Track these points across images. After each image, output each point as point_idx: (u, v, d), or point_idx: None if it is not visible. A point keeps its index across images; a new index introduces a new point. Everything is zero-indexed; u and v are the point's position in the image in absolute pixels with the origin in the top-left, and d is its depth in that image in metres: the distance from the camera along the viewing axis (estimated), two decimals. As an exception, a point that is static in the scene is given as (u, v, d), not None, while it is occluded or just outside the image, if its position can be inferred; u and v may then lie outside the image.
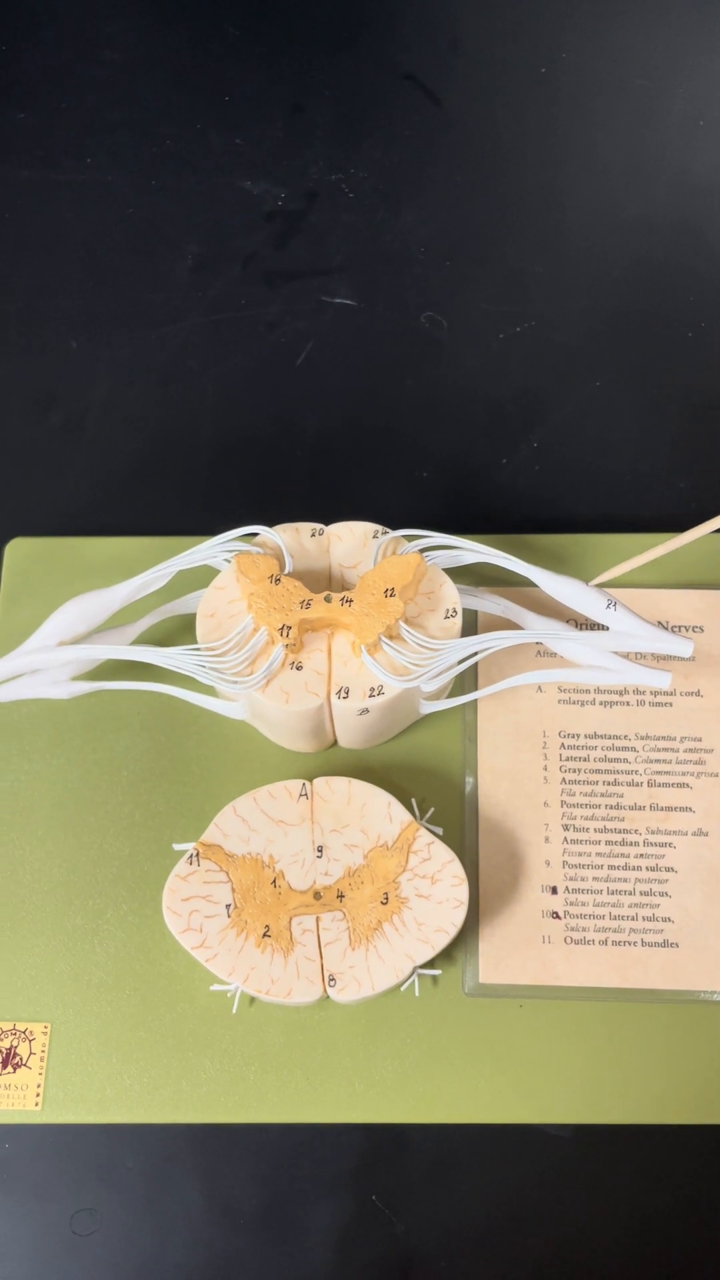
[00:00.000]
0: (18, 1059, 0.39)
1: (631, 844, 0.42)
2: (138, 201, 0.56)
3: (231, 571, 0.40)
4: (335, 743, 0.43)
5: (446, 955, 0.40)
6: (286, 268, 0.54)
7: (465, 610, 0.44)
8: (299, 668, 0.38)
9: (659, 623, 0.44)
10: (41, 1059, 0.39)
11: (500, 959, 0.40)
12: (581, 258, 0.54)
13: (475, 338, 0.52)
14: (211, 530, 0.41)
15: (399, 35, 0.60)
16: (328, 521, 0.41)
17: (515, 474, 0.50)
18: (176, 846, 0.41)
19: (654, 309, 0.53)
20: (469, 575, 0.45)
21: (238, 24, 0.59)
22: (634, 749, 0.43)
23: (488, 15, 0.60)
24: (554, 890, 0.41)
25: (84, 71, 0.59)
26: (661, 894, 0.41)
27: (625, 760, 0.43)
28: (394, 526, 0.41)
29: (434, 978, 0.40)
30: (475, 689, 0.43)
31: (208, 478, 0.50)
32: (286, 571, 0.39)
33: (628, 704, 0.44)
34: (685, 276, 0.54)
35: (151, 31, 0.60)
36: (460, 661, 0.40)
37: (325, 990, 0.38)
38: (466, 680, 0.44)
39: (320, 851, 0.39)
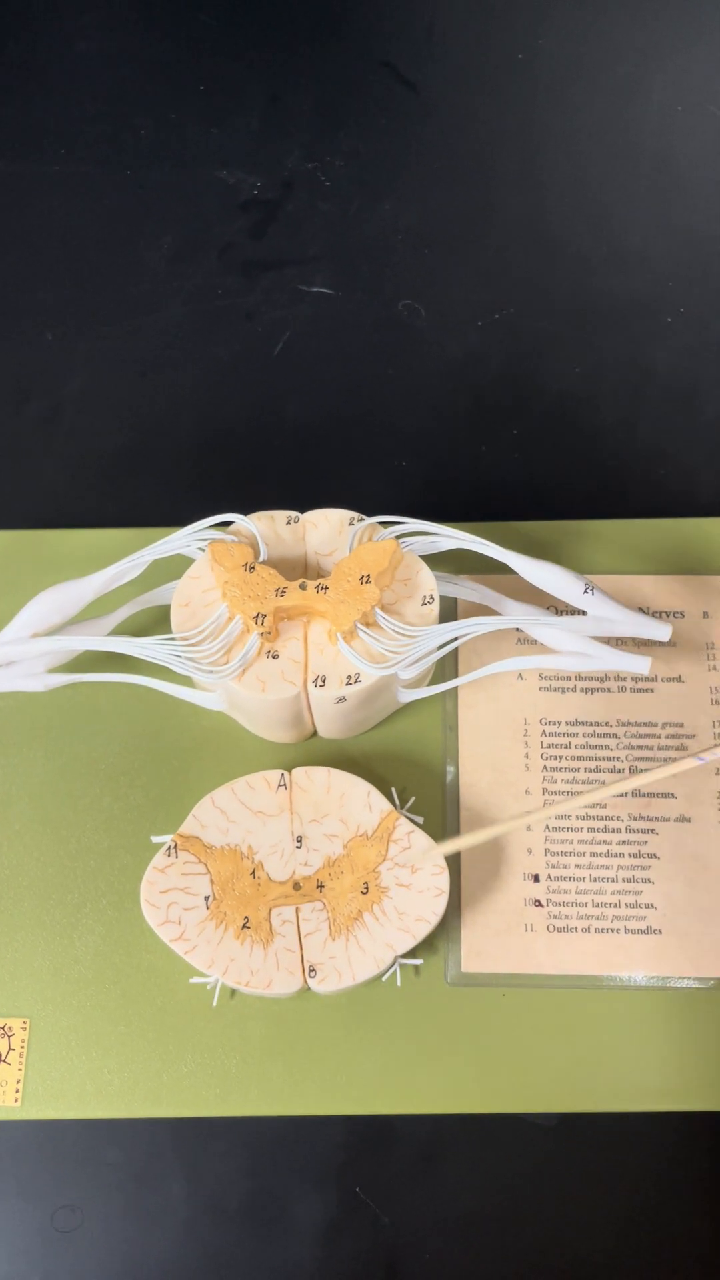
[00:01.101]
0: (-3, 1055, 0.39)
1: (614, 830, 0.42)
2: (114, 193, 0.55)
3: (205, 560, 0.39)
4: (315, 733, 0.43)
5: (428, 944, 0.40)
6: (264, 257, 0.54)
7: (445, 597, 0.44)
8: (275, 656, 0.38)
9: (639, 608, 0.44)
10: (21, 1054, 0.39)
11: (482, 948, 0.40)
12: (560, 244, 0.54)
13: (454, 325, 0.52)
14: (190, 520, 0.41)
15: (375, 23, 0.59)
16: (306, 509, 0.41)
17: (495, 461, 0.49)
18: (155, 838, 0.41)
19: (633, 295, 0.53)
20: (448, 562, 0.44)
21: (213, 14, 0.59)
22: (615, 735, 0.43)
23: (464, 2, 0.60)
24: (536, 878, 0.41)
25: (59, 63, 0.58)
26: (644, 880, 0.41)
27: (607, 747, 0.43)
28: (374, 514, 0.41)
29: (416, 967, 0.40)
30: (455, 676, 0.43)
31: (186, 468, 0.50)
32: (261, 559, 0.39)
33: (609, 690, 0.43)
34: (664, 262, 0.53)
35: (126, 23, 0.59)
36: (439, 648, 0.39)
37: (306, 981, 0.37)
38: (447, 668, 0.44)
39: (300, 842, 0.39)
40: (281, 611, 0.38)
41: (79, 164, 0.56)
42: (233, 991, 0.40)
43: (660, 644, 0.44)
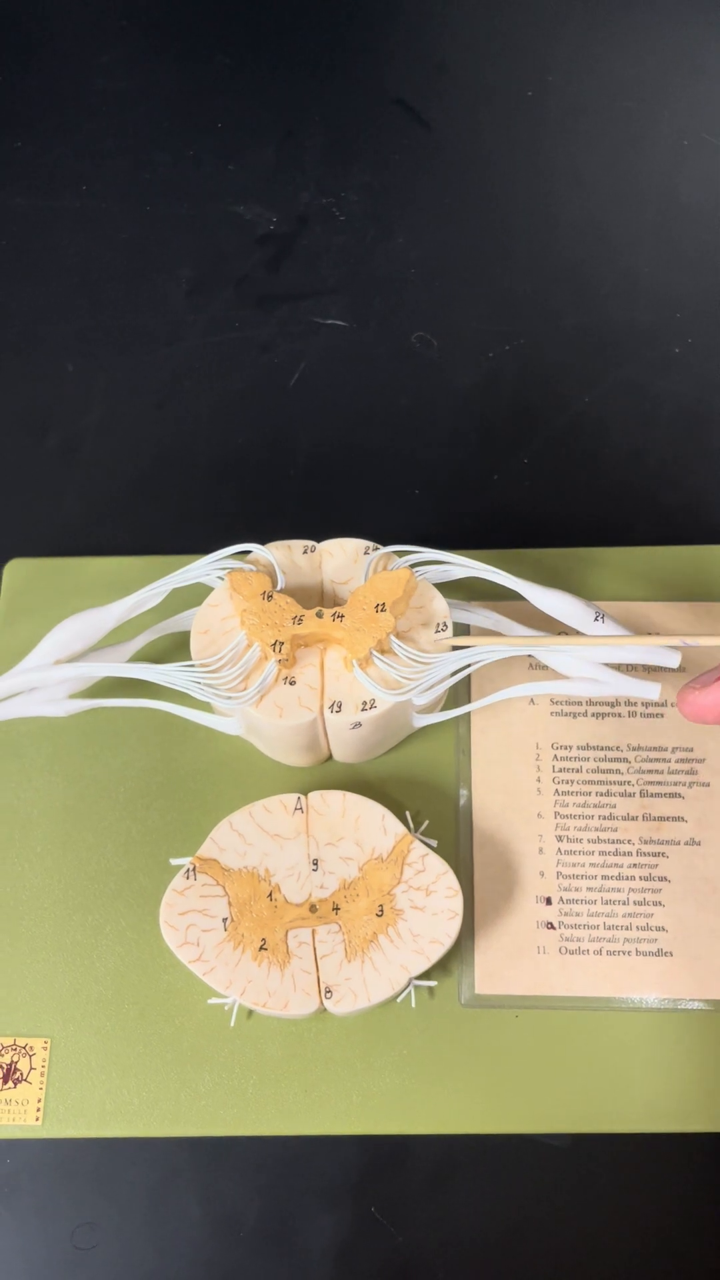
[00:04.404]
0: (18, 1074, 0.40)
1: (625, 854, 0.42)
2: (132, 227, 0.57)
3: (224, 589, 0.40)
4: (330, 757, 0.43)
5: (442, 967, 0.40)
6: (279, 290, 0.55)
7: (457, 624, 0.45)
8: (292, 683, 0.39)
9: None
10: (42, 1074, 0.40)
11: (496, 970, 0.41)
12: (569, 276, 0.55)
13: (466, 356, 0.53)
14: (207, 549, 0.42)
15: (387, 60, 0.61)
16: (322, 539, 0.42)
17: (506, 490, 0.50)
18: (173, 861, 0.42)
19: (641, 326, 0.54)
20: (461, 589, 0.45)
21: (229, 53, 0.60)
22: (626, 760, 0.43)
23: (475, 39, 0.61)
24: (548, 901, 0.42)
25: (79, 101, 0.60)
26: (655, 903, 0.42)
27: (618, 771, 0.43)
28: (387, 543, 0.41)
29: (430, 989, 0.40)
30: (468, 702, 0.43)
31: (203, 497, 0.51)
32: (279, 588, 0.40)
33: (619, 715, 0.44)
34: (672, 293, 0.54)
35: (144, 61, 0.61)
36: (452, 674, 0.40)
37: (322, 1002, 0.38)
38: (460, 694, 0.44)
39: (316, 865, 0.40)
40: (298, 639, 0.39)
41: (99, 199, 0.57)
42: (250, 1012, 0.40)
43: (670, 670, 0.44)
